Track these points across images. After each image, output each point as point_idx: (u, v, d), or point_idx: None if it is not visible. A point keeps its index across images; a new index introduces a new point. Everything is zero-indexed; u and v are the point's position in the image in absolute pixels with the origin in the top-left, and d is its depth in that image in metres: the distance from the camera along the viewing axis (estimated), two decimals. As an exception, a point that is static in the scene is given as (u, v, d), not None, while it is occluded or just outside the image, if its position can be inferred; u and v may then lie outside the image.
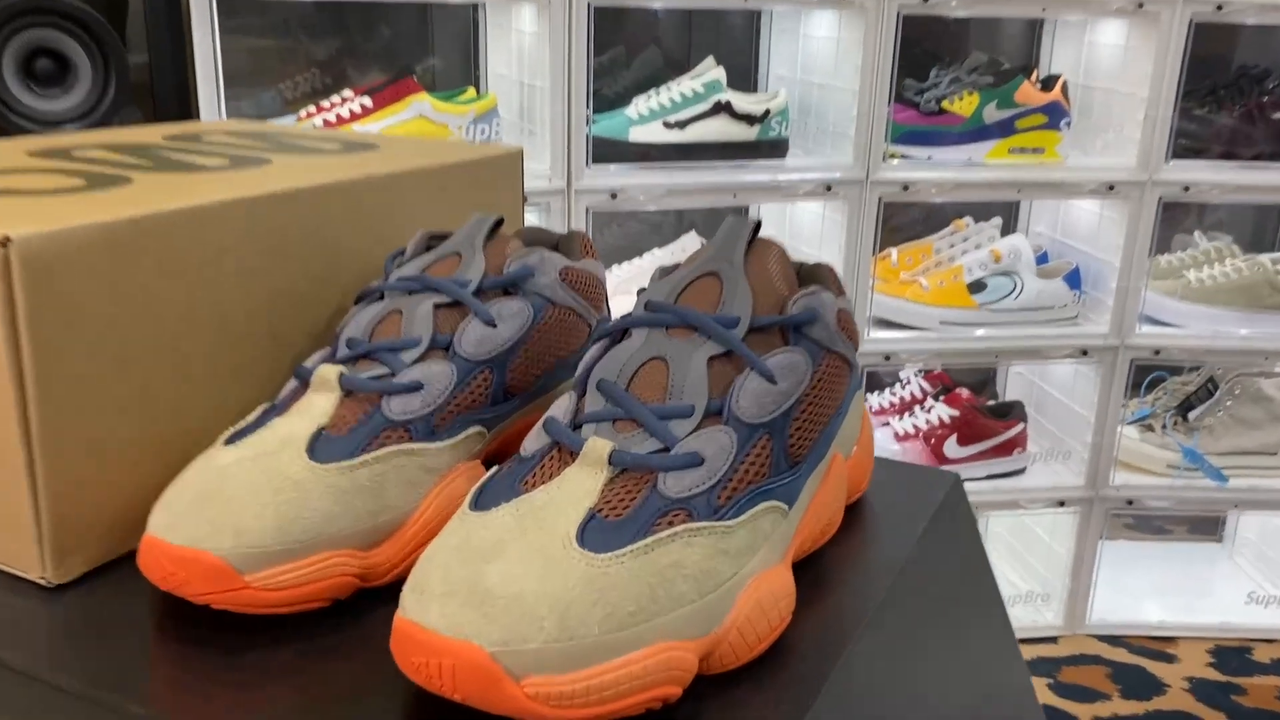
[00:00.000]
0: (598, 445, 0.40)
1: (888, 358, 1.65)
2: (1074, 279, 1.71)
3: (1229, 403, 1.77)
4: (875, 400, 1.84)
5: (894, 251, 1.78)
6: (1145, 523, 2.14)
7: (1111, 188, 1.61)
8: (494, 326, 0.49)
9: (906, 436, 1.75)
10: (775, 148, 1.61)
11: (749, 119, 1.57)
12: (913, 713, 0.50)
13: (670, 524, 0.39)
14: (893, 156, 1.62)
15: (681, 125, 1.55)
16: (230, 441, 0.46)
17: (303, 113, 1.47)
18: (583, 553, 0.37)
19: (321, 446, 0.45)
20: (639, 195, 1.48)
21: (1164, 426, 1.77)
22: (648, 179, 1.49)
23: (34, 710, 0.41)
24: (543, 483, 0.40)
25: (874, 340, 1.64)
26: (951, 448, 1.73)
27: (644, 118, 1.54)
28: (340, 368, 0.47)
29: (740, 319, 0.44)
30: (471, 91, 1.53)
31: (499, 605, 0.35)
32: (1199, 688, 1.66)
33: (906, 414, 1.78)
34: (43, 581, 0.46)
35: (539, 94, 1.46)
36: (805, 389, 0.44)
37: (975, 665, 0.59)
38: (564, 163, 1.44)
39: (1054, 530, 1.84)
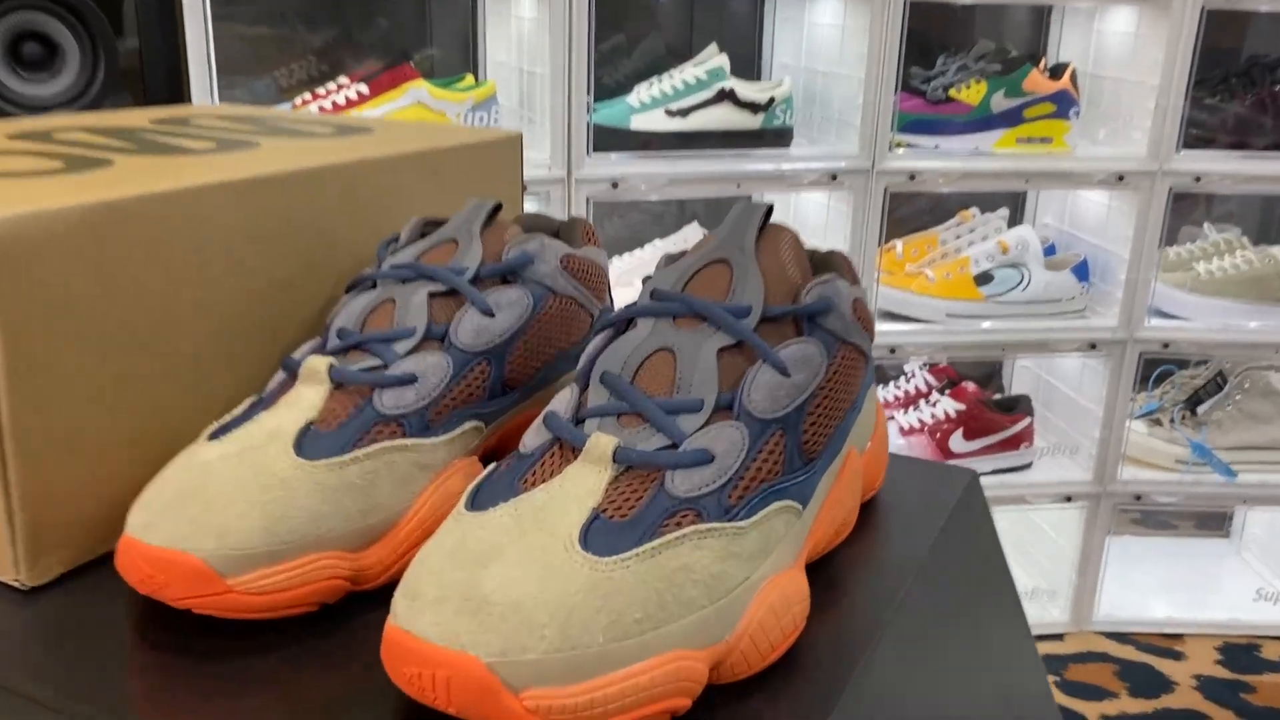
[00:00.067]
0: (601, 441, 0.38)
1: (893, 350, 1.63)
2: (1082, 271, 1.69)
3: (1238, 397, 1.75)
4: (879, 394, 1.82)
5: (899, 243, 1.76)
6: (1152, 518, 2.13)
7: (1121, 178, 1.59)
8: (492, 316, 0.48)
9: (912, 431, 1.74)
10: (780, 136, 1.58)
11: (753, 107, 1.55)
12: (930, 721, 0.48)
13: (678, 525, 0.37)
14: (899, 145, 1.60)
15: (684, 113, 1.52)
16: (214, 436, 0.44)
17: (298, 100, 1.45)
18: (586, 556, 0.35)
19: (310, 442, 0.43)
20: (640, 184, 1.46)
21: (1172, 421, 1.76)
22: (649, 168, 1.47)
23: (4, 721, 0.39)
24: (543, 481, 0.39)
25: (879, 333, 1.62)
26: (957, 442, 1.71)
27: (646, 105, 1.52)
28: (330, 359, 0.45)
29: (752, 308, 0.42)
30: (470, 78, 1.52)
31: (496, 612, 0.34)
32: (1207, 685, 1.64)
33: (911, 408, 1.77)
34: (16, 584, 0.44)
35: (539, 81, 1.44)
36: (820, 382, 0.42)
37: (995, 670, 0.57)
38: (564, 151, 1.42)
39: (1060, 526, 1.82)
